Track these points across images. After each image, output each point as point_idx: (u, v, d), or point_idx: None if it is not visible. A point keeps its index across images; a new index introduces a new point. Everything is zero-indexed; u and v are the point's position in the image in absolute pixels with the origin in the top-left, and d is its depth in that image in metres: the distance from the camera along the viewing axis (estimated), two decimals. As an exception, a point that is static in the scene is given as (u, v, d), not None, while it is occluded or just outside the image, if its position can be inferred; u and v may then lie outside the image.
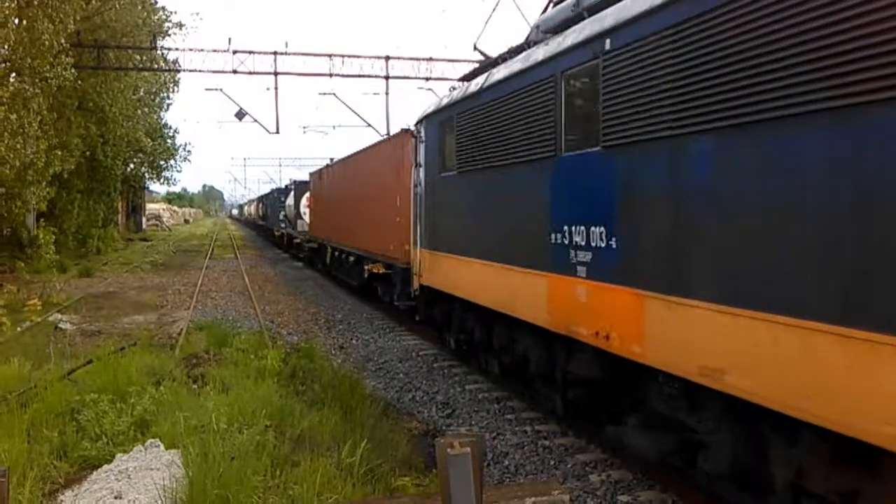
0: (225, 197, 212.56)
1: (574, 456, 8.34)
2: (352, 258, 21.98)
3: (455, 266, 10.85)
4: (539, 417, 9.78)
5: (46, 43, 20.12)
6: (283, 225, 45.04)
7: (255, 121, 32.02)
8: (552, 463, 8.20)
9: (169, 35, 33.28)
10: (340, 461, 6.84)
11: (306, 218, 34.64)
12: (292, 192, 40.59)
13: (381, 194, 17.80)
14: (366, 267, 18.87)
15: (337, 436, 7.64)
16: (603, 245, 6.70)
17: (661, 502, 7.07)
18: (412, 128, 13.90)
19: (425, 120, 12.49)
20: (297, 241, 36.41)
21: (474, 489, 4.14)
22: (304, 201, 35.62)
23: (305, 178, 37.74)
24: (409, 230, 13.98)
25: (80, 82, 26.29)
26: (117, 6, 28.61)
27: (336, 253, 24.88)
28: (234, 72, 29.37)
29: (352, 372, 11.75)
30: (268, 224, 57.19)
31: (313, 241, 30.55)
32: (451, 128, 10.91)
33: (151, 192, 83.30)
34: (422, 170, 12.59)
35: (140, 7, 31.12)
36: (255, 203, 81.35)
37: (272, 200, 52.22)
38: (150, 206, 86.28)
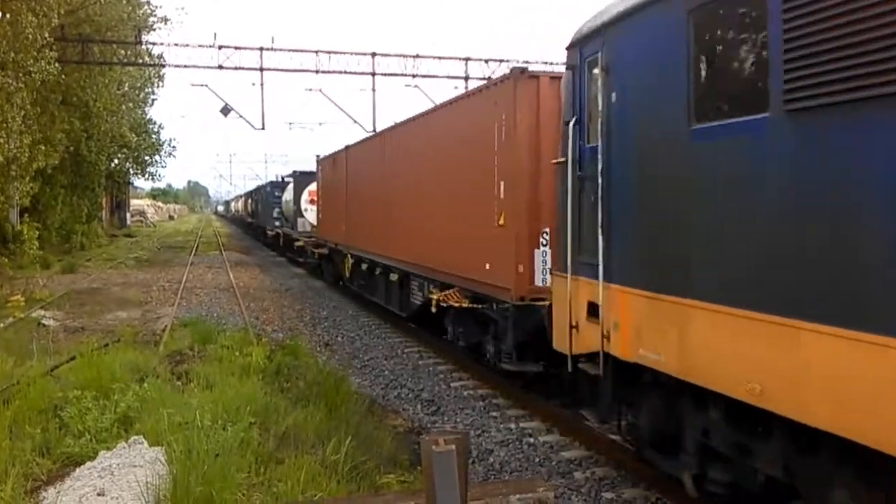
0: (210, 193, 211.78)
1: (559, 453, 8.37)
2: (393, 275, 15.80)
3: (744, 334, 4.86)
4: (524, 415, 9.81)
5: (30, 37, 19.93)
6: (277, 223, 39.58)
7: (241, 117, 31.81)
8: (537, 460, 8.23)
9: (154, 30, 32.90)
10: (325, 458, 6.84)
11: (310, 216, 30.14)
12: (291, 186, 34.82)
13: (463, 180, 11.48)
14: (431, 295, 12.48)
15: (321, 433, 7.64)
16: None
17: (645, 500, 7.10)
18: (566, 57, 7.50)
19: (624, 23, 6.40)
20: (300, 243, 30.10)
21: (459, 486, 4.15)
22: (306, 196, 31.08)
23: (300, 172, 33.21)
24: (523, 241, 9.63)
25: (63, 77, 25.98)
26: (102, 0, 28.38)
27: (363, 265, 18.61)
28: (220, 67, 29.18)
29: (337, 369, 11.74)
30: (258, 222, 51.14)
31: (322, 245, 24.88)
32: (759, 10, 4.81)
33: (136, 187, 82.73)
34: (601, 129, 6.59)
35: (125, 1, 30.87)
36: (243, 199, 74.75)
37: (264, 195, 45.69)
38: (135, 202, 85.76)
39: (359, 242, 19.00)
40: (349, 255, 20.09)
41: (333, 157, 23.16)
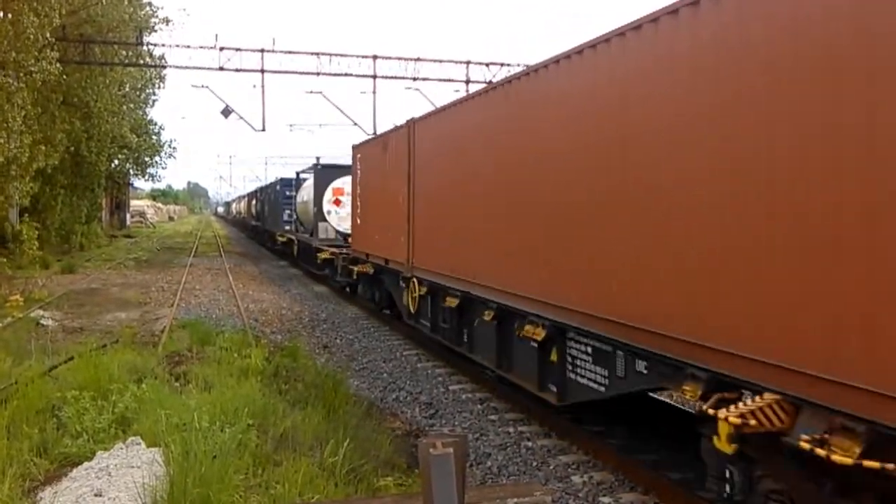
0: (210, 194, 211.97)
1: (557, 457, 8.36)
2: (533, 330, 8.82)
3: None
4: (522, 418, 9.81)
5: (31, 37, 19.96)
6: (288, 228, 34.64)
7: (242, 118, 31.90)
8: (535, 464, 8.23)
9: (155, 31, 33.04)
10: (323, 461, 6.83)
11: (333, 220, 25.24)
12: (310, 182, 28.33)
13: (805, 143, 4.86)
14: (711, 413, 5.32)
15: (320, 435, 7.63)
16: None
17: (643, 504, 7.11)
18: None
19: None
20: (325, 255, 22.89)
21: (456, 490, 4.15)
22: (329, 195, 25.47)
23: (322, 165, 27.03)
24: None
25: (64, 77, 26.03)
26: (103, 1, 28.44)
27: (448, 300, 11.63)
28: (221, 69, 29.27)
29: (335, 371, 11.74)
30: (264, 225, 45.45)
31: (362, 261, 17.83)
32: None
33: (136, 188, 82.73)
34: None
35: (127, 2, 30.93)
36: (245, 199, 68.37)
37: (272, 195, 40.32)
38: (135, 203, 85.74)
39: (438, 264, 12.22)
40: (415, 282, 13.52)
41: (384, 139, 16.23)
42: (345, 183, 23.81)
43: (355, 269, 18.51)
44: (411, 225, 13.73)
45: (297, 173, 33.94)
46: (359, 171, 18.33)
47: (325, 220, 25.68)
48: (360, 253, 18.08)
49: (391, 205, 14.90)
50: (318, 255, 23.68)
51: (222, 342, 12.45)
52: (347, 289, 21.76)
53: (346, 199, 23.83)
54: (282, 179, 38.69)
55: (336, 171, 25.48)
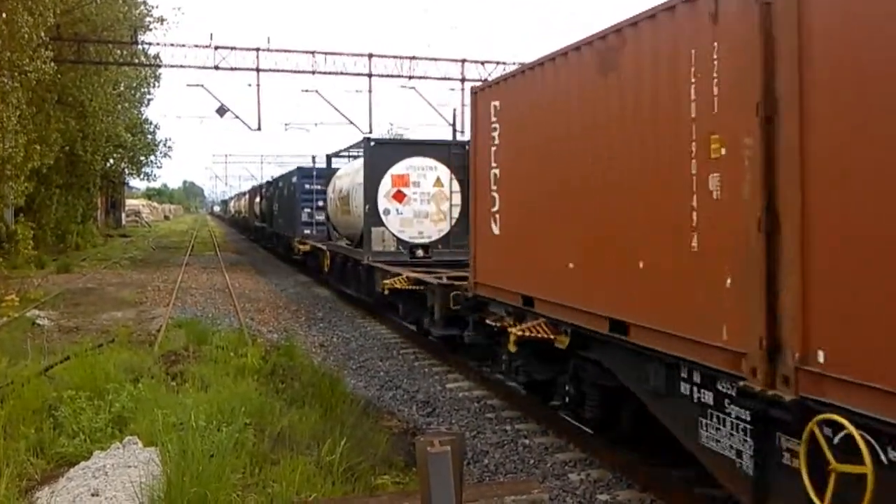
0: (205, 193, 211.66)
1: (554, 455, 8.37)
2: None
3: None
4: (519, 416, 9.82)
5: (26, 36, 19.90)
6: (308, 231, 27.56)
7: (237, 117, 31.83)
8: (532, 462, 8.24)
9: (150, 30, 32.98)
10: (320, 459, 6.83)
11: (394, 224, 17.21)
12: (351, 167, 21.11)
13: None
14: None
15: (317, 434, 7.63)
16: None
17: (640, 502, 7.11)
18: None
19: None
20: (399, 285, 14.00)
21: (454, 487, 4.15)
22: (386, 186, 17.13)
23: (377, 141, 18.73)
24: None
25: (59, 76, 26.00)
26: (98, 0, 28.38)
27: None
28: (216, 68, 29.22)
29: (332, 370, 11.73)
30: (273, 227, 37.62)
31: (510, 308, 9.18)
32: None
33: (131, 187, 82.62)
34: None
35: (121, 1, 30.86)
36: (247, 196, 60.33)
37: (286, 189, 32.39)
38: (130, 202, 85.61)
39: None
40: (850, 429, 4.02)
41: (608, 43, 6.80)
42: (410, 168, 17.29)
43: (512, 330, 8.72)
44: (802, 239, 4.56)
45: (328, 156, 25.32)
46: (496, 134, 9.74)
47: (380, 223, 17.28)
48: (505, 293, 9.38)
49: (636, 192, 6.46)
50: (384, 282, 14.63)
51: (219, 341, 12.42)
52: (432, 335, 13.99)
53: (414, 193, 17.32)
54: (300, 169, 30.69)
55: (398, 149, 17.98)
